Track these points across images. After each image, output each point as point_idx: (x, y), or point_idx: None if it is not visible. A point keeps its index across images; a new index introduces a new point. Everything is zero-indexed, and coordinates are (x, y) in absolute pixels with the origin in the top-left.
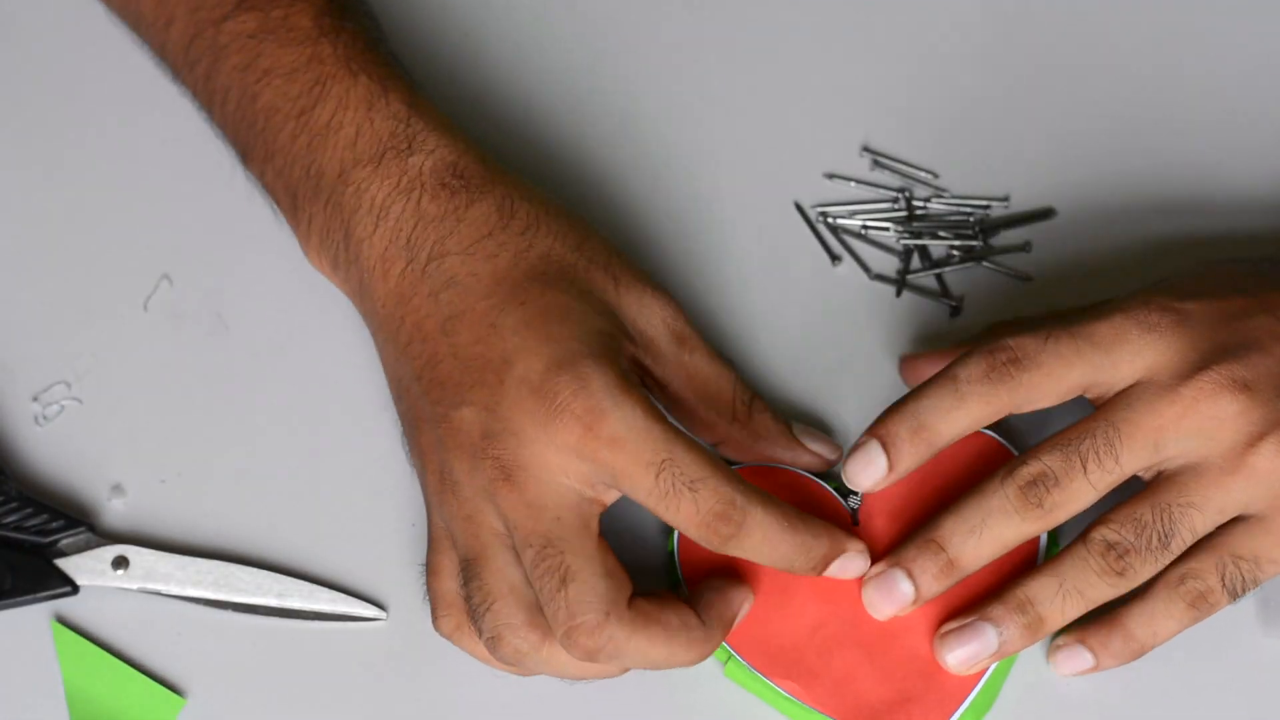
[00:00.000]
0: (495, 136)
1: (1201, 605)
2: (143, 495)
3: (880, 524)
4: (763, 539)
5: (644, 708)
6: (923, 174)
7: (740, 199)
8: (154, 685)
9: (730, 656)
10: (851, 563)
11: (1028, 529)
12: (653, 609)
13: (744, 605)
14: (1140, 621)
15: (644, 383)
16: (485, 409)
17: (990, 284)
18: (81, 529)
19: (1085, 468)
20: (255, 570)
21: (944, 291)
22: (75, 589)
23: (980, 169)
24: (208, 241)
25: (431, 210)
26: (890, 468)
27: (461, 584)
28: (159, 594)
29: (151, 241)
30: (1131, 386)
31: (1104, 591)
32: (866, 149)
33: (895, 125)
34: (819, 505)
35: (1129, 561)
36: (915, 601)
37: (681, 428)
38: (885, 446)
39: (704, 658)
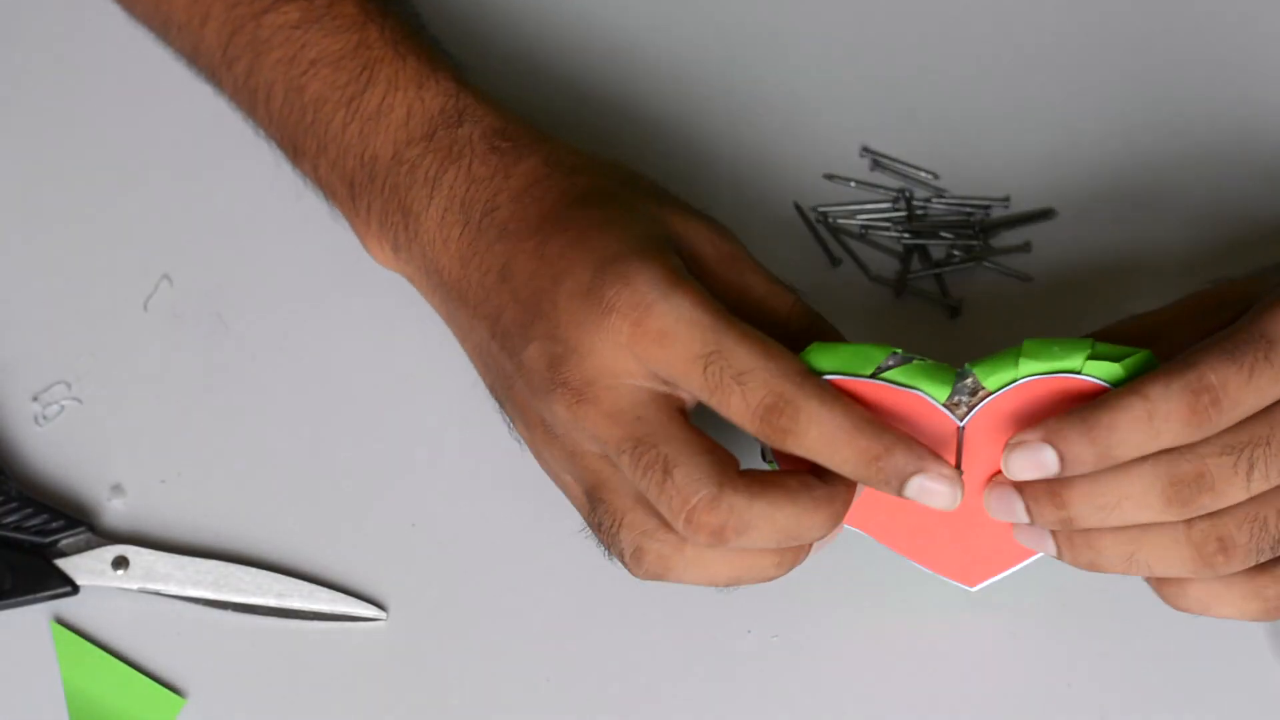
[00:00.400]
0: None
1: (1269, 614)
2: (143, 495)
3: (990, 448)
4: (821, 437)
5: (641, 704)
6: (923, 174)
7: (740, 199)
8: (154, 685)
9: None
10: (937, 487)
11: (1162, 519)
12: (767, 475)
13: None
14: (1202, 597)
15: None
16: (547, 338)
17: (990, 285)
18: (81, 529)
19: (1250, 475)
20: (255, 570)
21: (944, 292)
22: (75, 589)
23: (980, 169)
24: (208, 242)
25: (481, 172)
26: (1061, 472)
27: (589, 516)
28: (159, 594)
29: (152, 242)
30: None
31: (1178, 573)
32: (866, 149)
33: (895, 125)
34: (916, 418)
35: (1229, 559)
36: (1016, 517)
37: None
38: (1061, 457)
39: (834, 520)
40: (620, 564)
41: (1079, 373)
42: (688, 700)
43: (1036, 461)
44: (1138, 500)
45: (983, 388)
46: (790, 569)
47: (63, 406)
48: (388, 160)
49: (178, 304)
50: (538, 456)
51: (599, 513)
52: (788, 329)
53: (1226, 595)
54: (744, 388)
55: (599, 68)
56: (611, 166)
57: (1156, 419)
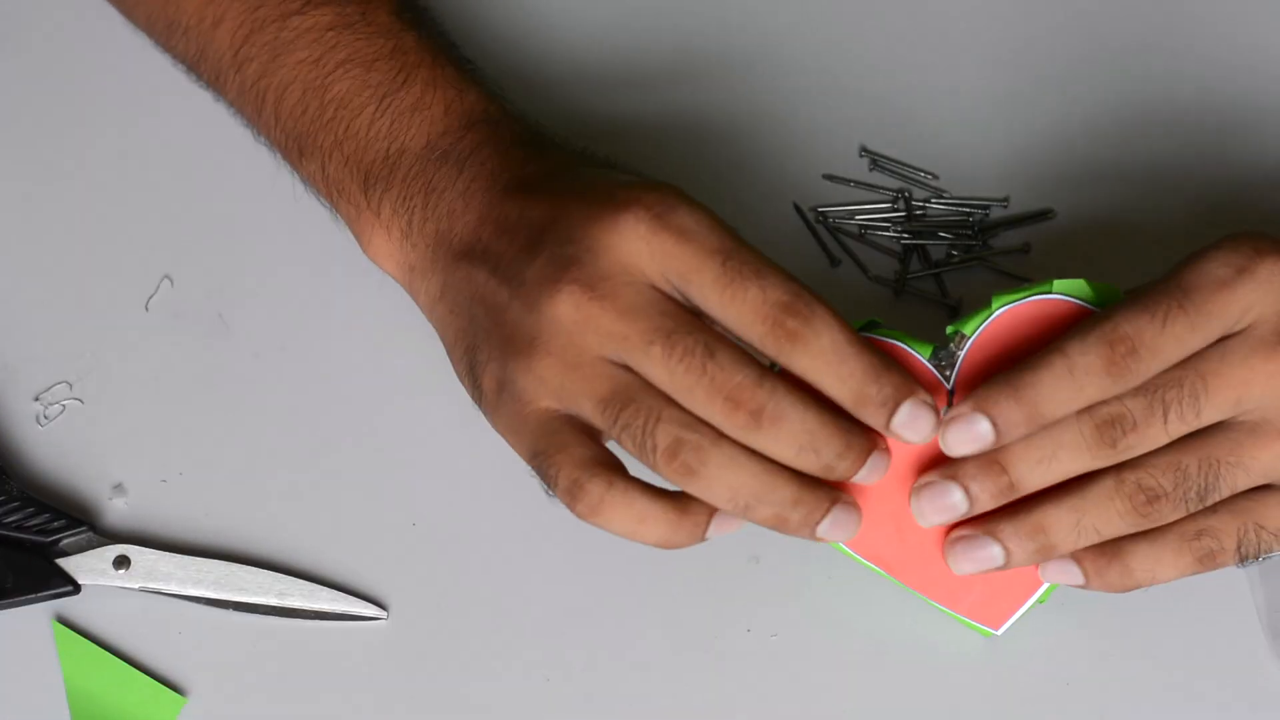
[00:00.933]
0: None
1: (1208, 562)
2: (144, 495)
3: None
4: (831, 346)
5: (644, 704)
6: (922, 175)
7: (739, 199)
8: (155, 684)
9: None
10: (921, 414)
11: (1095, 464)
12: (803, 384)
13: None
14: (1144, 562)
15: None
16: (557, 243)
17: (989, 285)
18: (83, 528)
19: (1166, 416)
20: (256, 570)
21: (943, 293)
22: (77, 588)
23: (979, 170)
24: (209, 242)
25: (517, 154)
26: (997, 439)
27: (610, 424)
28: (160, 593)
29: (153, 242)
30: (1229, 335)
31: (1121, 530)
32: (865, 150)
33: (894, 126)
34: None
35: (1159, 508)
36: (966, 514)
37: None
38: (994, 422)
39: (854, 454)
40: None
41: (1050, 293)
42: (688, 700)
43: (972, 433)
44: (1070, 447)
45: (962, 333)
46: (802, 524)
47: (64, 406)
48: (418, 150)
49: (179, 304)
50: (503, 405)
51: (627, 415)
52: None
53: (1161, 554)
54: (763, 281)
55: (599, 69)
56: (638, 175)
57: (1077, 372)
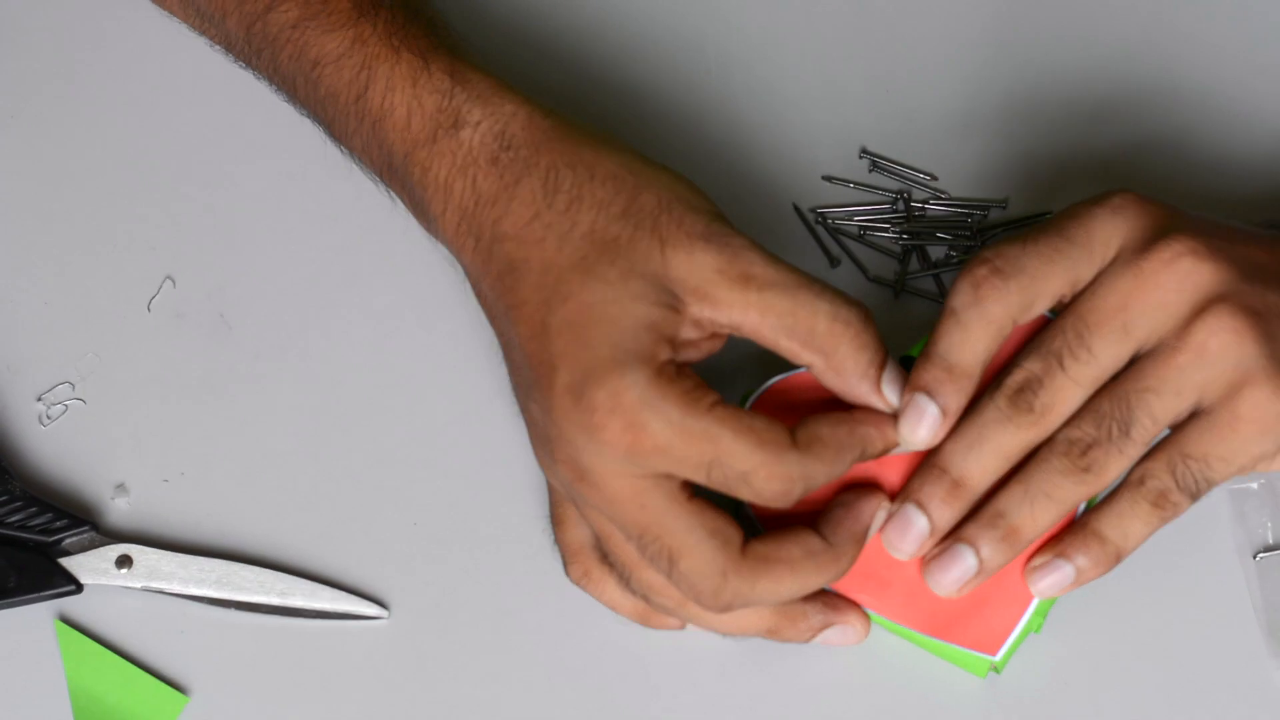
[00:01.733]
0: None
1: (1165, 504)
2: (146, 494)
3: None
4: (826, 480)
5: (643, 704)
6: (921, 176)
7: (738, 201)
8: (157, 683)
9: None
10: (922, 424)
11: (1025, 436)
12: (770, 549)
13: (877, 515)
14: (1109, 523)
15: (718, 334)
16: (545, 411)
17: None
18: (85, 528)
19: (1063, 365)
20: (258, 569)
21: (942, 293)
22: (79, 588)
23: (978, 171)
24: (210, 243)
25: (486, 189)
26: (944, 412)
27: (601, 556)
28: (162, 593)
29: (155, 243)
30: (1097, 274)
31: (1072, 491)
32: (865, 151)
33: (894, 127)
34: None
35: (1093, 457)
36: (933, 533)
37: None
38: (931, 395)
39: (839, 575)
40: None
41: None
42: (687, 699)
43: (915, 409)
44: (993, 424)
45: (911, 357)
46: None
47: (67, 406)
48: (401, 159)
49: (181, 304)
50: (539, 462)
51: (610, 558)
52: (814, 337)
53: (1122, 511)
54: (751, 485)
55: (598, 68)
56: (612, 188)
57: (957, 309)
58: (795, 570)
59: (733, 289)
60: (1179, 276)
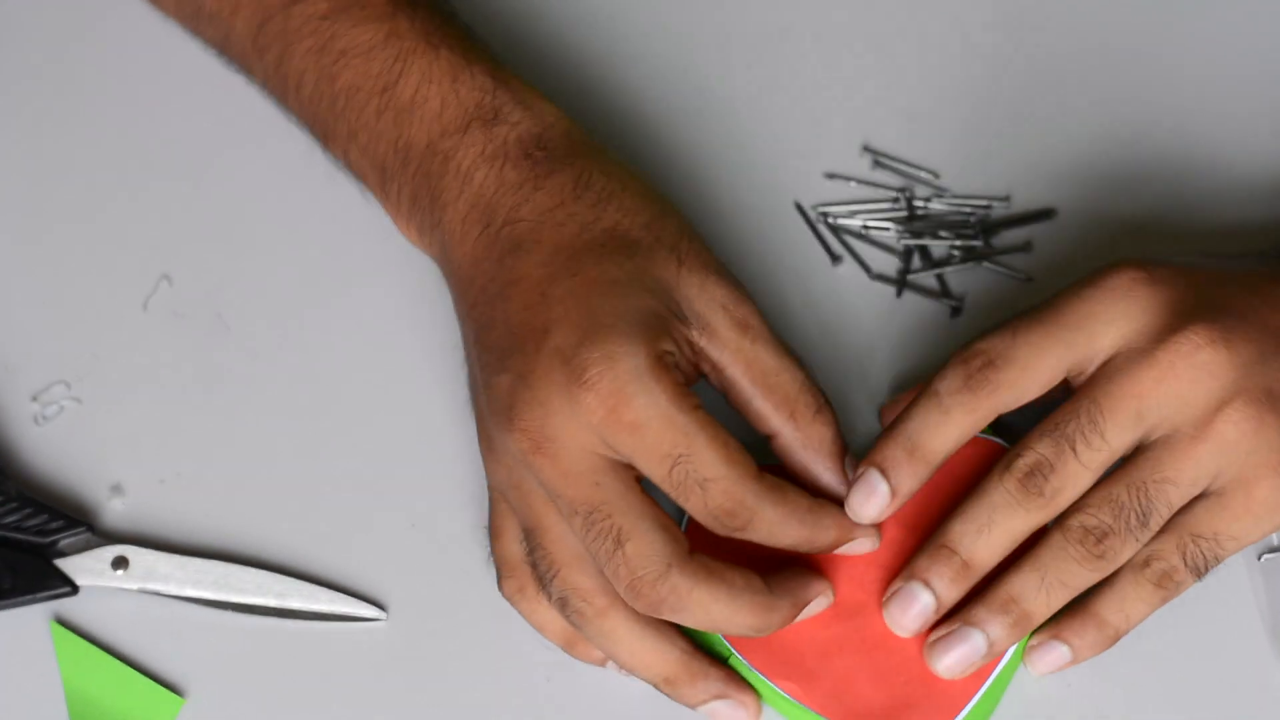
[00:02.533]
0: None
1: (1168, 585)
2: (142, 495)
3: (893, 532)
4: (769, 532)
5: (643, 704)
6: (923, 174)
7: (740, 198)
8: (153, 685)
9: (731, 654)
10: (861, 544)
11: (1034, 519)
12: (716, 565)
13: (821, 597)
14: (1111, 608)
15: (699, 366)
16: (519, 376)
17: (991, 284)
18: (81, 529)
19: (1075, 450)
20: (255, 570)
21: (945, 291)
22: (75, 589)
23: (981, 169)
24: (207, 242)
25: (512, 178)
26: (893, 493)
27: (526, 552)
28: (159, 594)
29: (151, 242)
30: (1110, 359)
31: (1087, 578)
32: (867, 148)
33: (896, 124)
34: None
35: (1108, 545)
36: (938, 610)
37: (725, 416)
38: (885, 473)
39: (767, 628)
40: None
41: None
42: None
43: (867, 487)
44: (1003, 506)
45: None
46: (678, 700)
47: (62, 406)
48: (421, 149)
49: (177, 304)
50: (485, 463)
51: (536, 556)
52: (791, 404)
53: (1124, 594)
54: (706, 493)
55: (599, 67)
56: (641, 201)
57: (942, 394)
58: (732, 594)
59: (731, 330)
60: (1198, 370)
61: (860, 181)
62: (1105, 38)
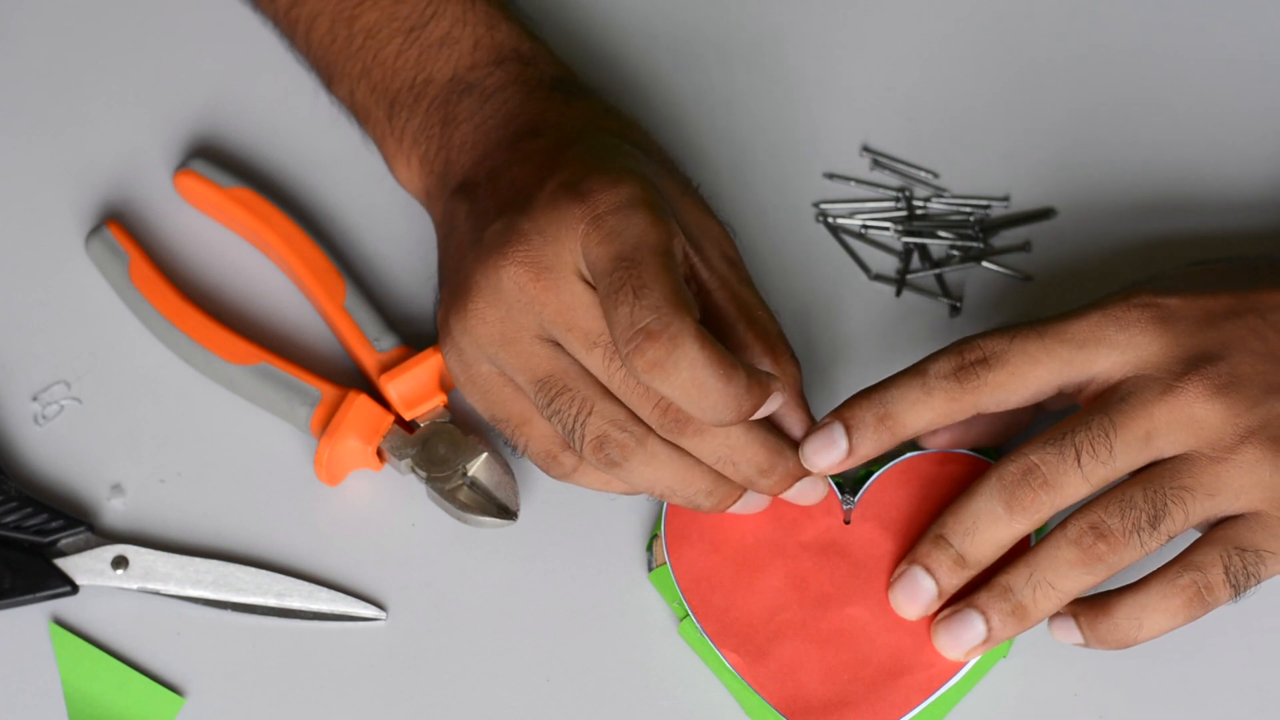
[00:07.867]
0: None
1: (1198, 602)
2: (142, 495)
3: (869, 530)
4: (691, 380)
5: (643, 704)
6: (923, 174)
7: (740, 197)
8: (153, 685)
9: (686, 615)
10: (827, 453)
11: (1017, 527)
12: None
13: (777, 394)
14: (1129, 611)
15: (688, 279)
16: (520, 212)
17: (990, 284)
18: (81, 529)
19: (1079, 459)
20: (255, 570)
21: (944, 291)
22: (75, 589)
23: (980, 169)
24: (205, 241)
25: (540, 95)
26: (850, 451)
27: (543, 406)
28: (158, 594)
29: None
30: (1124, 380)
31: (1077, 580)
32: (866, 148)
33: (895, 125)
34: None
35: (1108, 546)
36: (939, 596)
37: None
38: (848, 430)
39: (740, 411)
40: (542, 466)
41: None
42: (687, 699)
43: (827, 438)
44: (987, 514)
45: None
46: (717, 506)
47: (62, 406)
48: (443, 81)
49: None
50: (450, 355)
51: (560, 402)
52: (771, 339)
53: (1147, 600)
54: (637, 300)
55: (600, 67)
56: (660, 150)
57: (930, 375)
58: (723, 365)
59: (721, 260)
60: (1212, 410)
61: (860, 181)
62: (1105, 38)
